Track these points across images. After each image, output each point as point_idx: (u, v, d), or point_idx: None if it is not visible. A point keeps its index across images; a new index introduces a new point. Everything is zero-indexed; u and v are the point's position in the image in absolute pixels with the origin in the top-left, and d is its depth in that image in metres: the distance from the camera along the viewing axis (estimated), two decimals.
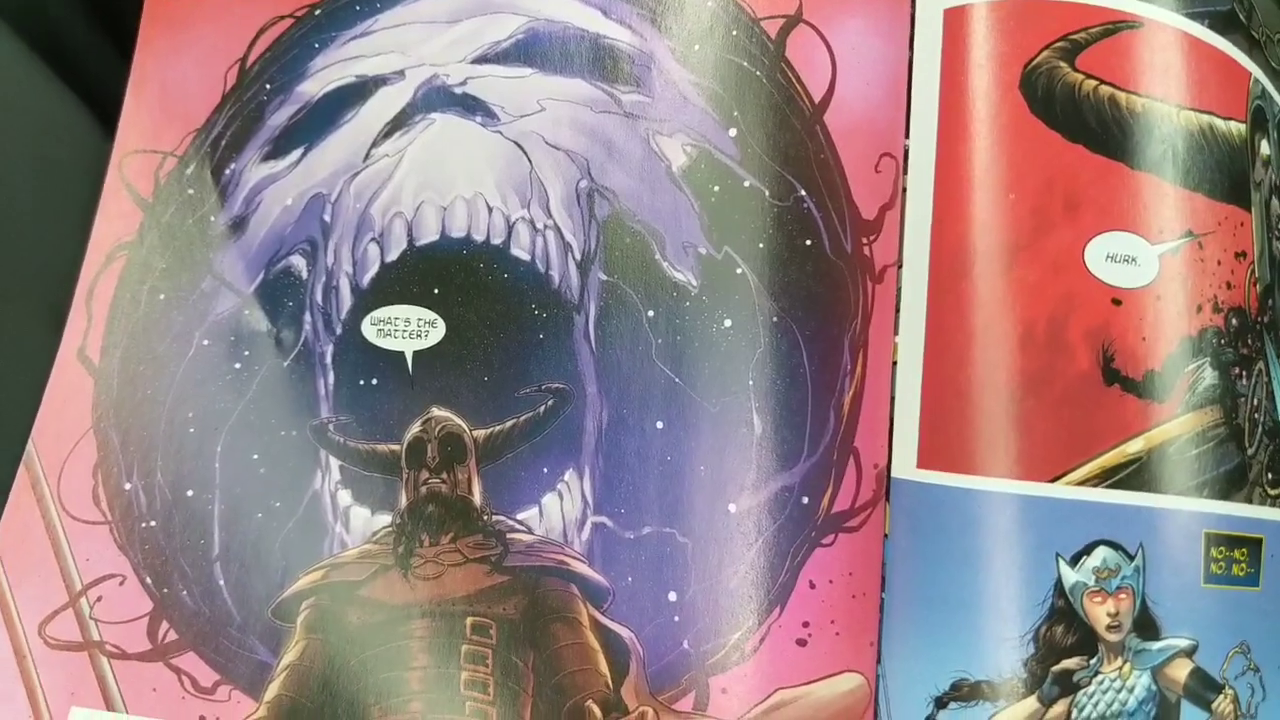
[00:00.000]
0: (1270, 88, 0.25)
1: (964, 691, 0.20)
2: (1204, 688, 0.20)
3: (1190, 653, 0.20)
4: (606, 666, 0.22)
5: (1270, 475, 0.22)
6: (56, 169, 0.29)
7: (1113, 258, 0.21)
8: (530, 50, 0.25)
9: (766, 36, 0.23)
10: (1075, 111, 0.21)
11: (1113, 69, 0.22)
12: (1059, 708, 0.20)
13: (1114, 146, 0.21)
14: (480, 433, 0.23)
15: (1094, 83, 0.22)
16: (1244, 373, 0.22)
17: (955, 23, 0.22)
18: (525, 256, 0.24)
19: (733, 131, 0.23)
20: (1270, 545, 0.21)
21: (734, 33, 0.23)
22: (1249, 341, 0.22)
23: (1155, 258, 0.21)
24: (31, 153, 0.28)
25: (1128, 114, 0.22)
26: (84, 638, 0.24)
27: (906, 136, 0.23)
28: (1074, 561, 0.20)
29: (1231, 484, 0.21)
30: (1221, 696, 0.20)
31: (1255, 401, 0.22)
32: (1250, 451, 0.22)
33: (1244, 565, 0.21)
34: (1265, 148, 0.24)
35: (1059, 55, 0.22)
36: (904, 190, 0.22)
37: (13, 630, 0.24)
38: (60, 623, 0.24)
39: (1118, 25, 0.22)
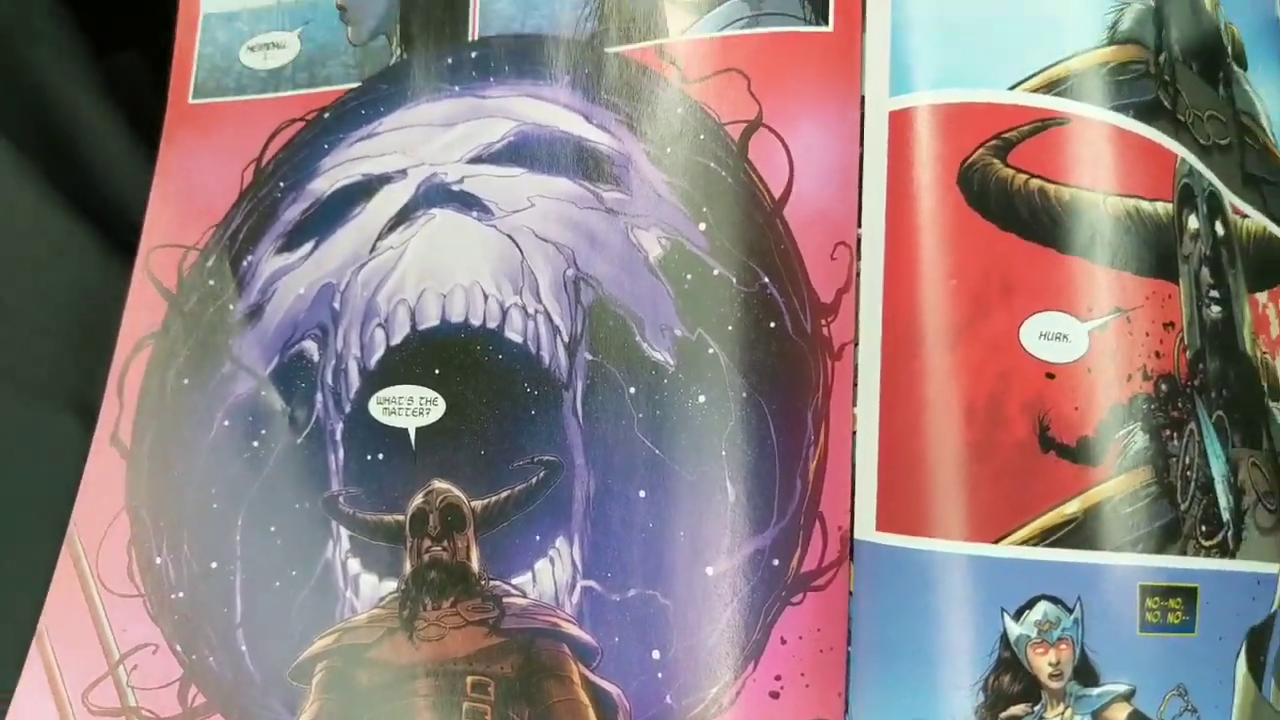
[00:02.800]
0: (1198, 165, 0.28)
1: None
2: None
3: (1128, 697, 0.22)
4: None
5: (1204, 528, 0.24)
6: (72, 286, 0.31)
7: (1046, 335, 0.23)
8: (520, 152, 0.28)
9: (730, 139, 0.26)
10: (1008, 203, 0.24)
11: (1041, 163, 0.24)
12: None
13: (1044, 234, 0.24)
14: (478, 503, 0.26)
15: (1024, 176, 0.24)
16: (1175, 434, 0.24)
17: (899, 124, 0.25)
18: (518, 339, 0.27)
19: (702, 225, 0.26)
20: (1206, 593, 0.23)
21: (701, 136, 0.26)
22: (1179, 405, 0.24)
23: (1085, 334, 0.23)
24: (47, 275, 0.31)
25: (1056, 204, 0.24)
26: (122, 704, 0.26)
27: (859, 226, 0.25)
28: (1018, 616, 0.22)
29: (1166, 538, 0.23)
30: None
31: (1187, 460, 0.24)
32: (1184, 506, 0.24)
33: (1179, 613, 0.23)
34: (1194, 222, 0.27)
35: (992, 152, 0.24)
36: (858, 275, 0.25)
37: (59, 698, 0.26)
38: (101, 690, 0.26)
39: (1046, 123, 0.24)
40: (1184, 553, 0.23)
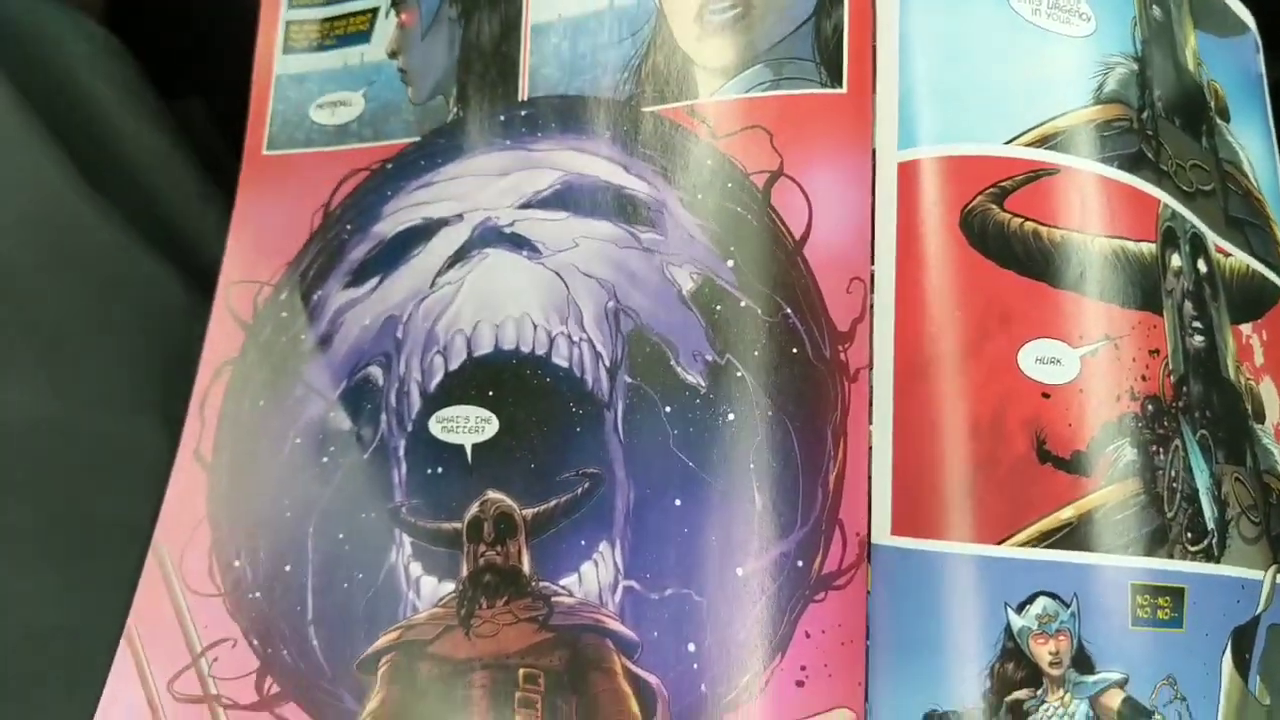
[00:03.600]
0: (1180, 209, 0.30)
1: None
2: (1135, 713, 0.24)
3: (1122, 684, 0.24)
4: (638, 708, 0.26)
5: (1190, 534, 0.26)
6: (158, 317, 0.34)
7: (1041, 360, 0.26)
8: (566, 198, 0.31)
9: (755, 187, 0.29)
10: (1005, 244, 0.27)
11: (1035, 208, 0.27)
12: None
13: (1038, 270, 0.26)
14: (528, 512, 0.28)
15: (1020, 220, 0.27)
16: (1160, 450, 0.26)
17: (907, 174, 0.28)
18: (564, 364, 0.29)
19: (730, 263, 0.29)
20: (1193, 593, 0.26)
21: (729, 185, 0.29)
22: (1164, 424, 0.27)
23: (1077, 359, 0.26)
24: (138, 308, 0.34)
25: (1048, 244, 0.27)
26: (204, 692, 0.28)
27: (871, 264, 0.28)
28: (1020, 609, 0.24)
29: (1154, 542, 0.25)
30: None
31: (1173, 473, 0.26)
32: (1170, 515, 0.26)
33: (1168, 610, 0.25)
34: (1176, 260, 0.29)
35: (990, 199, 0.27)
36: (871, 307, 0.27)
37: (147, 687, 0.29)
38: (185, 680, 0.28)
39: (1038, 173, 0.27)
40: (1171, 556, 0.26)
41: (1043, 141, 0.28)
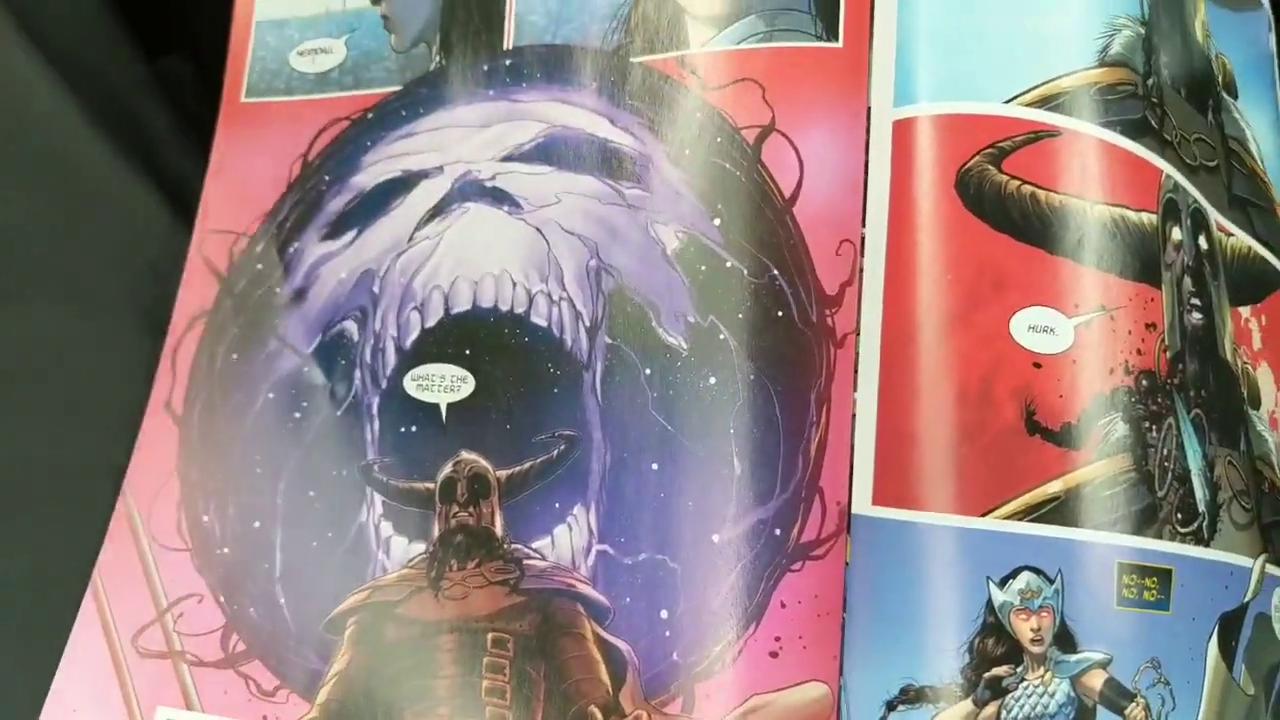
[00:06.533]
0: (1183, 181, 0.29)
1: (910, 695, 0.23)
2: (1117, 695, 0.23)
3: (1105, 665, 0.23)
4: (607, 675, 0.25)
5: (1180, 515, 0.25)
6: (140, 255, 0.33)
7: (1034, 328, 0.25)
8: (549, 152, 0.30)
9: (745, 143, 0.28)
10: (1001, 207, 0.26)
11: (1033, 171, 0.26)
12: (990, 709, 0.23)
13: (1035, 236, 0.25)
14: (503, 473, 0.27)
15: (1017, 183, 0.26)
16: (1153, 426, 0.25)
17: (902, 132, 0.27)
18: (543, 324, 0.28)
19: (717, 221, 0.28)
20: (1180, 575, 0.25)
21: (718, 140, 0.28)
22: (1158, 399, 0.26)
23: (1071, 328, 0.25)
24: (119, 240, 0.33)
25: (1046, 209, 0.26)
26: (168, 648, 0.28)
27: (863, 225, 0.27)
28: (1002, 584, 0.23)
29: (1143, 521, 0.25)
30: (1133, 704, 0.23)
31: (1165, 451, 0.26)
32: (1161, 494, 0.25)
33: (1154, 591, 0.24)
34: (1177, 233, 0.28)
35: (988, 160, 0.26)
36: (860, 270, 0.26)
37: (111, 641, 0.28)
38: (149, 635, 0.28)
39: (1038, 134, 0.26)
40: (1160, 536, 0.25)
41: (1044, 102, 0.27)
